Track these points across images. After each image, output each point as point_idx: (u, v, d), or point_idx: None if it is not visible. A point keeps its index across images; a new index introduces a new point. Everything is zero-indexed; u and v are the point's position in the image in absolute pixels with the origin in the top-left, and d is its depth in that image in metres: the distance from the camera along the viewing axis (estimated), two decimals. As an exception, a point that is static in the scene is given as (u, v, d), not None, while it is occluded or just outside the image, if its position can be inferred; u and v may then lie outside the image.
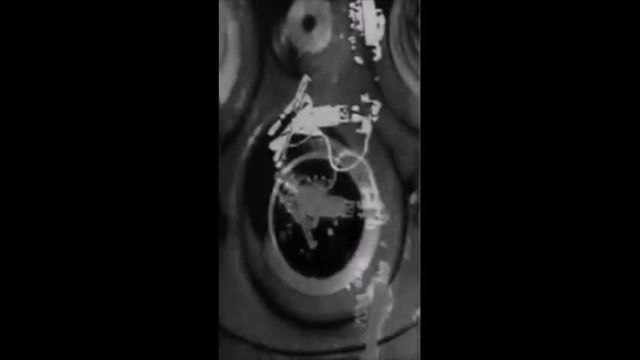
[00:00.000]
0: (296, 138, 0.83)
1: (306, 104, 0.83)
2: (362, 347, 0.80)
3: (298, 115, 0.84)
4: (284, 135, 0.83)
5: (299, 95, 0.82)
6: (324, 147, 0.83)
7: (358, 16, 0.85)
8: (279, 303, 0.83)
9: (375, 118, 0.84)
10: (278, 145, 0.83)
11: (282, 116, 0.84)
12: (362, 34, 0.85)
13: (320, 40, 0.82)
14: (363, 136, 0.84)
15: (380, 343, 0.81)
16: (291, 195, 0.83)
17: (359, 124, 0.84)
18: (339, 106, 0.84)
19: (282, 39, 0.83)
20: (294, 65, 0.84)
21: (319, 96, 0.84)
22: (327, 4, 0.82)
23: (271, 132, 0.84)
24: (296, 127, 0.83)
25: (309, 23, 0.82)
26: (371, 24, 0.85)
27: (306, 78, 0.81)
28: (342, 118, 0.84)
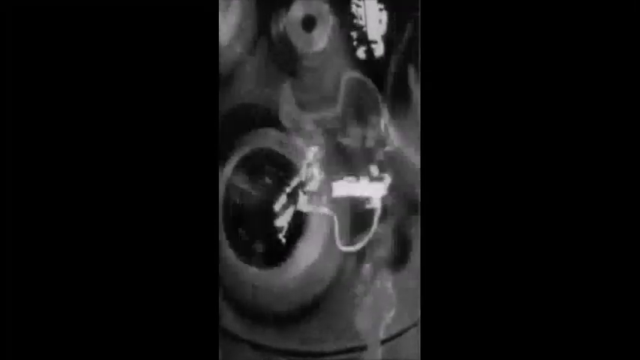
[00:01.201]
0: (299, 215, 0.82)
1: (313, 176, 0.81)
2: (364, 348, 0.80)
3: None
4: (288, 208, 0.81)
5: (308, 170, 0.81)
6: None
7: (361, 11, 0.84)
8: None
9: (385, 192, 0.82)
10: (283, 222, 0.81)
11: (289, 190, 0.81)
12: (364, 29, 0.84)
13: (319, 40, 0.82)
14: (373, 211, 0.82)
15: (382, 343, 0.80)
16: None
17: (368, 199, 0.81)
18: (347, 179, 0.82)
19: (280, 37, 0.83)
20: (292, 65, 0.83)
21: (328, 167, 0.82)
22: (327, 5, 0.81)
23: (277, 208, 0.82)
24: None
25: (309, 24, 0.81)
26: (373, 20, 0.84)
27: (314, 151, 0.80)
28: None
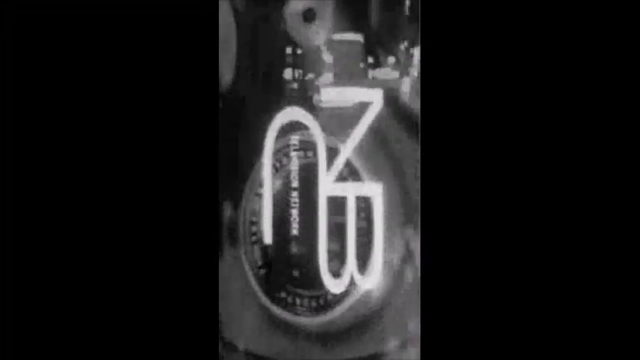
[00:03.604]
0: None
1: None
2: (379, 356, 0.79)
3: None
4: None
5: None
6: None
7: None
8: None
9: None
10: None
11: None
12: None
13: (320, 32, 0.81)
14: None
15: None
16: None
17: None
18: None
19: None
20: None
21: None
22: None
23: None
24: None
25: (309, 16, 0.80)
26: None
27: None
28: None
